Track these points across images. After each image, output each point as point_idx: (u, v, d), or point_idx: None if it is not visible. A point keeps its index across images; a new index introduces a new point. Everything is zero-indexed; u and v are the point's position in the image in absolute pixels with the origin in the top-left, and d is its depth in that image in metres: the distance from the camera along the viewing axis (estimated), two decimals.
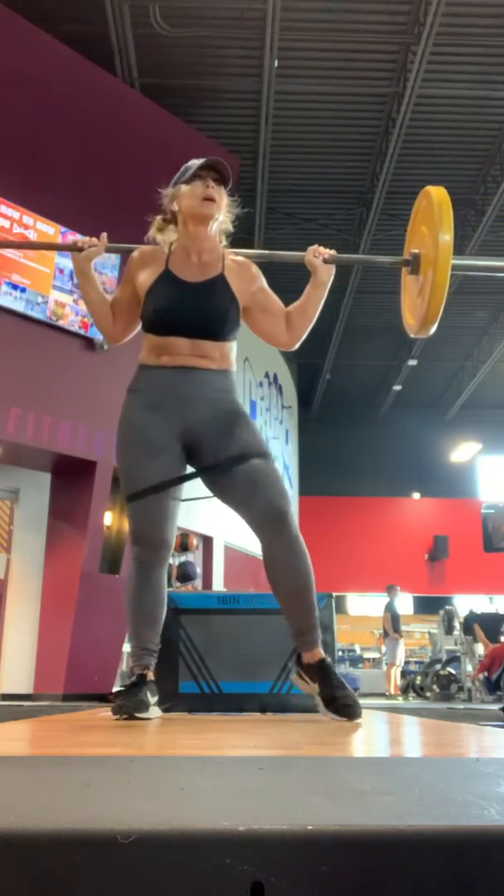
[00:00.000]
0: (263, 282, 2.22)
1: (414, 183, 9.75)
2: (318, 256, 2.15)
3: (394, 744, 1.54)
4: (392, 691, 10.51)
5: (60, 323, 6.98)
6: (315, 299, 2.18)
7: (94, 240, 2.16)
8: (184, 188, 2.10)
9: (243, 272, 2.18)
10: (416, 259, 2.16)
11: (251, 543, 2.06)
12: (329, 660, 2.05)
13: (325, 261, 2.16)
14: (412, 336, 2.30)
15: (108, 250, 2.18)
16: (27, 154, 6.85)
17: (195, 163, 2.12)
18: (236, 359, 2.22)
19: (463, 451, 17.27)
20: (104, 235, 2.17)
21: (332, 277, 2.19)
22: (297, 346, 2.23)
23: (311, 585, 2.06)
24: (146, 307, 2.13)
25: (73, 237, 7.16)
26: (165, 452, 2.08)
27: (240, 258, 2.21)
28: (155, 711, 2.03)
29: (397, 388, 15.62)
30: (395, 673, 10.72)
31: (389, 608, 10.75)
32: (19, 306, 6.71)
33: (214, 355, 2.12)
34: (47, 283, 6.93)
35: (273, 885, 0.50)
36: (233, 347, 2.18)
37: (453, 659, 10.77)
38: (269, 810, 0.59)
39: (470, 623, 10.30)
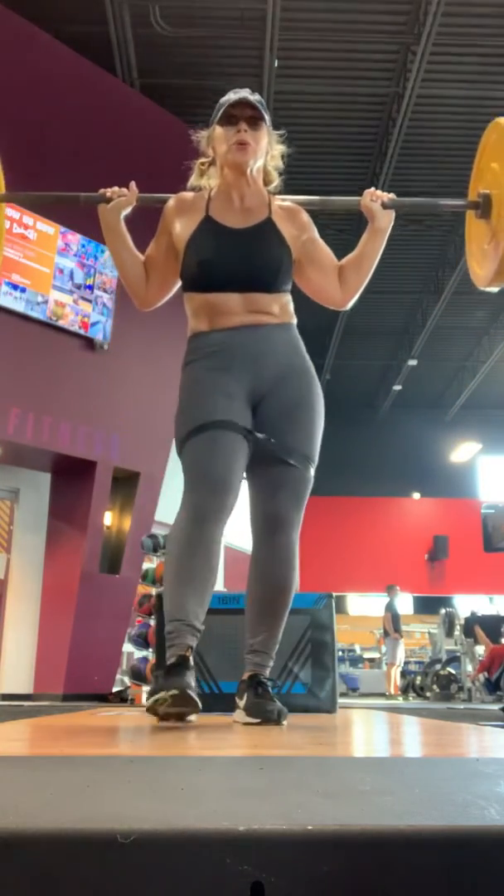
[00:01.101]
0: (315, 231, 1.98)
1: (414, 183, 9.78)
2: (376, 200, 1.92)
3: (394, 744, 1.54)
4: (392, 691, 10.51)
5: (60, 323, 6.98)
6: (372, 250, 1.94)
7: (124, 190, 1.91)
8: (217, 130, 1.90)
9: (293, 217, 1.95)
10: (487, 200, 1.90)
11: (251, 544, 1.99)
12: (263, 676, 1.84)
13: (384, 206, 1.92)
14: (481, 288, 2.02)
15: (140, 201, 1.93)
16: (27, 154, 6.84)
17: (228, 99, 1.90)
18: None
19: (463, 451, 17.27)
20: (133, 184, 1.92)
21: (391, 224, 1.94)
22: (350, 304, 1.99)
23: (286, 597, 1.87)
24: (187, 261, 1.87)
25: (74, 236, 7.17)
26: (238, 399, 1.81)
27: (288, 203, 1.98)
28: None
29: (397, 388, 15.62)
30: (395, 673, 10.72)
31: (390, 608, 10.75)
32: (19, 306, 6.71)
33: (273, 309, 1.87)
34: (47, 283, 6.94)
35: (273, 885, 0.50)
36: (289, 300, 1.93)
37: (453, 659, 10.76)
38: (269, 810, 0.58)
39: (470, 625, 10.29)
